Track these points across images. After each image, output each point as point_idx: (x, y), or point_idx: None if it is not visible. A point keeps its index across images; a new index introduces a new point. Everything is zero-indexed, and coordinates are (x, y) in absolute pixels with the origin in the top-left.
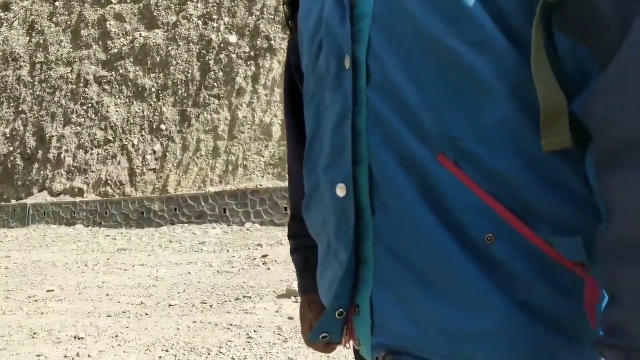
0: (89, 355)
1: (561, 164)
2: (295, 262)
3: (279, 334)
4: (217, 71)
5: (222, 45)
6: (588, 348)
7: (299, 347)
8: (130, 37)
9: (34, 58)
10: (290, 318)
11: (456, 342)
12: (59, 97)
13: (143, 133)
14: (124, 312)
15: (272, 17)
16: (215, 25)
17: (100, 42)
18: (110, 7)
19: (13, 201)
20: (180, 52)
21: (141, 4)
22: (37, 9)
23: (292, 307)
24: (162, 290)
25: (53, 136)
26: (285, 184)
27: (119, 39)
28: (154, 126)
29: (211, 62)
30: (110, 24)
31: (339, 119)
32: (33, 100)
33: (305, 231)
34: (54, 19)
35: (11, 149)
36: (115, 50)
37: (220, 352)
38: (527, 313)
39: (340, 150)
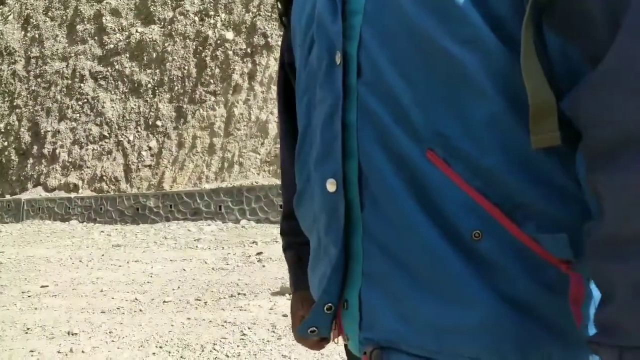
0: (83, 351)
1: (549, 161)
2: (288, 259)
3: (273, 332)
4: (213, 68)
5: (218, 41)
6: (575, 345)
7: (293, 345)
8: (127, 33)
9: (29, 53)
10: (285, 315)
11: (444, 337)
12: (54, 93)
13: (139, 129)
14: (118, 308)
15: (269, 14)
16: (212, 21)
17: (96, 38)
18: (106, 2)
19: (7, 196)
20: (176, 49)
21: (137, 0)
22: (33, 3)
23: (287, 304)
24: (156, 287)
25: (48, 131)
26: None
27: (115, 34)
28: (150, 122)
29: (207, 58)
30: (106, 19)
31: (330, 114)
32: (28, 95)
33: (297, 228)
34: (49, 13)
35: (6, 144)
36: (111, 46)
37: (215, 349)
38: (514, 308)
39: (331, 146)
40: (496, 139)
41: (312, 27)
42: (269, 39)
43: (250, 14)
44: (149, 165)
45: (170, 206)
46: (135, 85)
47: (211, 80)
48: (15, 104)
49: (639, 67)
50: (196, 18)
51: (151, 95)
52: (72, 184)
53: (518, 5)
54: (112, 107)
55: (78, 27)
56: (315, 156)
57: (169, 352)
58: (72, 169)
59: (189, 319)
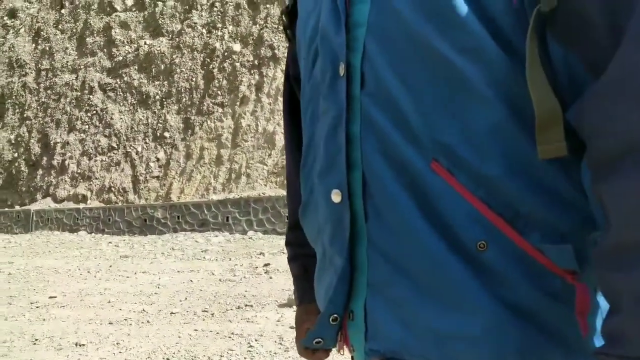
0: None
1: (553, 171)
2: (293, 270)
3: (281, 344)
4: (221, 79)
5: (226, 53)
6: (578, 353)
7: (300, 357)
8: (135, 45)
9: (39, 65)
10: (292, 327)
11: (447, 345)
12: (63, 104)
13: (147, 140)
14: (125, 319)
15: (276, 26)
16: (219, 33)
17: (105, 50)
18: (115, 15)
19: (17, 207)
20: (184, 60)
21: (146, 12)
22: (44, 17)
23: (294, 316)
24: (164, 298)
25: (57, 143)
26: None
27: (123, 46)
28: (158, 134)
29: (215, 70)
30: (115, 32)
31: (333, 125)
32: (38, 107)
33: (303, 239)
34: (60, 26)
35: (16, 155)
36: (120, 58)
37: None
38: (517, 317)
39: (335, 157)
40: (498, 148)
41: (316, 40)
42: (276, 51)
43: (257, 26)
44: (157, 177)
45: (178, 217)
46: (144, 96)
47: (219, 92)
48: (25, 115)
49: None
50: (204, 30)
51: (159, 107)
52: (80, 195)
53: (520, 15)
54: (121, 118)
55: (88, 39)
56: (320, 168)
57: None
58: (81, 180)
59: (196, 330)
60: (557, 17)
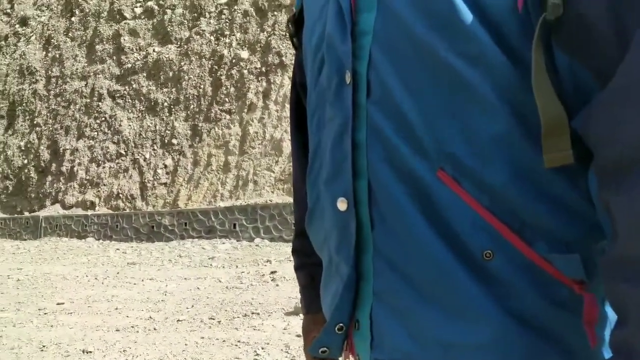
0: None
1: (559, 180)
2: (300, 279)
3: (287, 352)
4: (228, 86)
5: (233, 60)
6: None
7: None
8: (144, 52)
9: (49, 72)
10: (299, 336)
11: (452, 355)
12: (73, 111)
13: (155, 147)
14: (132, 326)
15: (284, 33)
16: (227, 41)
17: (114, 57)
18: (124, 23)
19: (26, 213)
20: (192, 68)
21: (155, 20)
22: (54, 24)
23: (301, 324)
24: (171, 305)
25: (67, 149)
26: None
27: (132, 54)
28: (166, 141)
29: (223, 77)
30: (124, 39)
31: (339, 133)
32: (48, 114)
33: (310, 247)
34: (70, 34)
35: (25, 161)
36: (129, 65)
37: None
38: (524, 326)
39: (341, 164)
40: (503, 156)
41: (322, 48)
42: (284, 58)
43: (265, 33)
44: (165, 183)
45: (185, 224)
46: (152, 103)
47: (226, 99)
48: (35, 122)
49: None
50: (212, 37)
51: (167, 114)
52: (89, 202)
53: (525, 22)
54: (129, 125)
55: (97, 47)
56: (326, 175)
57: None
58: (89, 187)
59: (202, 338)
60: (563, 25)
